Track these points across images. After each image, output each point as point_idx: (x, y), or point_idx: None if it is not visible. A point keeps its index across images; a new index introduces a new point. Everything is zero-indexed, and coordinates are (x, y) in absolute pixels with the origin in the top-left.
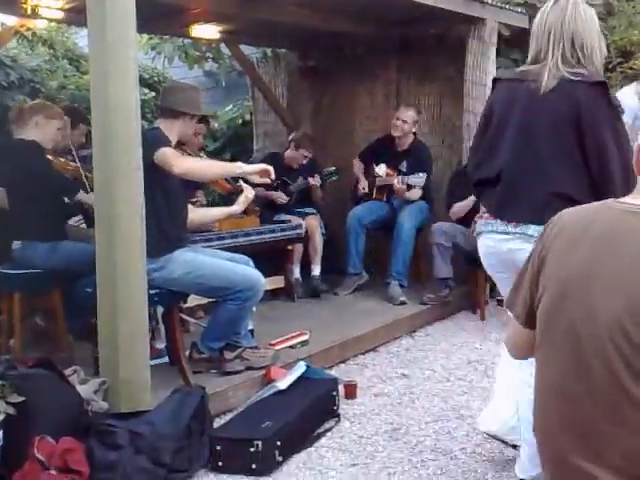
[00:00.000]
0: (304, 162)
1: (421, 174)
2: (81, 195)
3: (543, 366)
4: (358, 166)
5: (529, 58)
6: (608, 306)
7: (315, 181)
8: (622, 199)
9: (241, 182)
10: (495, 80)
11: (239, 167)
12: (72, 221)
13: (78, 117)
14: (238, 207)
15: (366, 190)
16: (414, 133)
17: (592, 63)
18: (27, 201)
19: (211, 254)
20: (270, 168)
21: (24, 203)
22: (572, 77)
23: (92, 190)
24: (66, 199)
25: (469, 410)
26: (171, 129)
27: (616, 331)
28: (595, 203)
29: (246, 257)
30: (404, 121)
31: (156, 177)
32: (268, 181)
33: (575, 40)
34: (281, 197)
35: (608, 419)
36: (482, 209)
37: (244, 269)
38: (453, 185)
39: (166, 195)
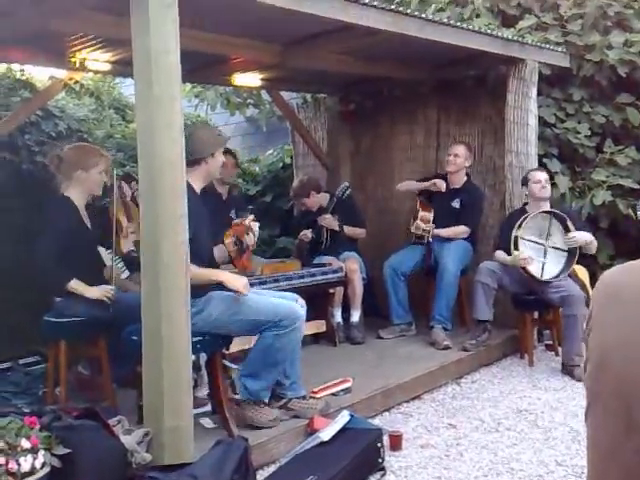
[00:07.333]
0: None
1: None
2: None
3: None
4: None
5: None
6: None
7: (328, 203)
8: None
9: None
10: None
11: (222, 279)
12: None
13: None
14: (236, 284)
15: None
16: (467, 174)
17: None
18: (62, 260)
19: (255, 292)
20: (243, 289)
21: (60, 262)
22: None
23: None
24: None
25: (520, 463)
26: (198, 179)
27: None
28: (634, 262)
29: (294, 294)
30: (456, 155)
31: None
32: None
33: None
34: (305, 234)
35: None
36: None
37: (279, 301)
38: (505, 228)
39: (202, 236)
